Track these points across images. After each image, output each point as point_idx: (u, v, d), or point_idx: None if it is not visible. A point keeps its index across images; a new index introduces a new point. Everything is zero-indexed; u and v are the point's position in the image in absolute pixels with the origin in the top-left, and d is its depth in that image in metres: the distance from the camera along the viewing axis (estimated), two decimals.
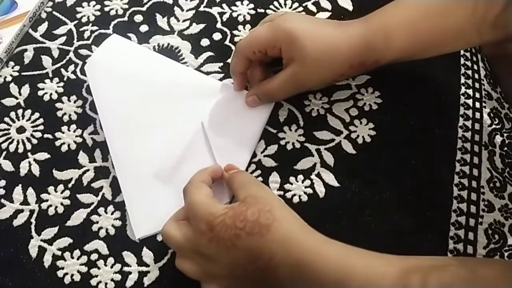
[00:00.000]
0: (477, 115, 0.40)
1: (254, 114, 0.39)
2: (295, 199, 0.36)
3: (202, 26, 0.45)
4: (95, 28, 0.45)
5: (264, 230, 0.28)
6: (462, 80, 0.42)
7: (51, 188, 0.38)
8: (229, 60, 0.43)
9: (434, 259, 0.28)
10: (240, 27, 0.45)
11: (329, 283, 0.26)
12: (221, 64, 0.43)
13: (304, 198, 0.36)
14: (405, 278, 0.26)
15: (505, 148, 0.39)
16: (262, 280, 0.29)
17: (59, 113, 0.41)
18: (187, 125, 0.39)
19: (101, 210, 0.37)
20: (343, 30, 0.36)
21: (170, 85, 0.41)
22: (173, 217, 0.33)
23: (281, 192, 0.37)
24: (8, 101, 0.42)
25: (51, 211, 0.37)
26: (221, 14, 0.46)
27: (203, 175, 0.34)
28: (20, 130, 0.41)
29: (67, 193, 0.38)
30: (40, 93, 0.42)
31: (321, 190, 0.36)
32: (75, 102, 0.42)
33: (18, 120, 0.41)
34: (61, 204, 0.37)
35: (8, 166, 0.39)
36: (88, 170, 0.38)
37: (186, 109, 0.40)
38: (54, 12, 0.47)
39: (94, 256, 0.35)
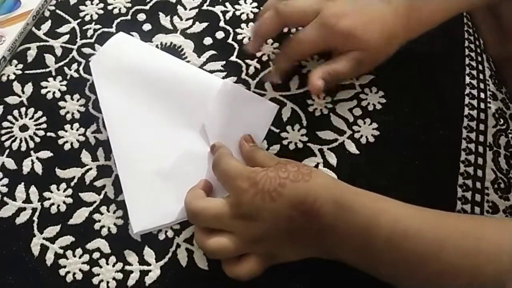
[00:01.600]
0: (482, 115, 0.40)
1: (258, 117, 0.39)
2: None
3: (205, 24, 0.45)
4: (98, 26, 0.45)
5: (307, 177, 0.30)
6: (467, 80, 0.41)
7: (53, 187, 0.38)
8: (231, 59, 0.43)
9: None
10: (243, 25, 0.45)
11: (367, 218, 0.28)
12: (224, 62, 0.43)
13: None
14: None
15: (510, 149, 0.39)
16: (303, 228, 0.29)
17: (62, 112, 0.41)
18: (190, 124, 0.39)
19: (103, 208, 0.37)
20: (388, 3, 0.36)
21: (174, 83, 0.40)
22: (193, 197, 0.33)
23: None
24: (11, 99, 0.42)
25: (53, 210, 0.37)
26: (224, 12, 0.46)
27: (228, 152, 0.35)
28: (23, 128, 0.41)
29: (69, 191, 0.38)
30: (43, 91, 0.42)
31: None
32: (78, 100, 0.42)
33: (21, 118, 0.41)
34: (64, 202, 0.37)
35: (11, 164, 0.39)
36: (90, 168, 0.38)
37: (190, 108, 0.39)
38: (58, 11, 0.47)
39: (96, 255, 0.35)
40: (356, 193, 0.30)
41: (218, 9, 0.46)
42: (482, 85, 0.42)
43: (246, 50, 0.41)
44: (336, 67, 0.37)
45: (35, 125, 0.41)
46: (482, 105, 0.40)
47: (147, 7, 0.46)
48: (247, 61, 0.42)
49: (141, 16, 0.46)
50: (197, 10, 0.46)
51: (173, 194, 0.36)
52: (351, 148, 0.38)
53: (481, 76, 0.42)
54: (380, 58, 0.38)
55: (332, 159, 0.37)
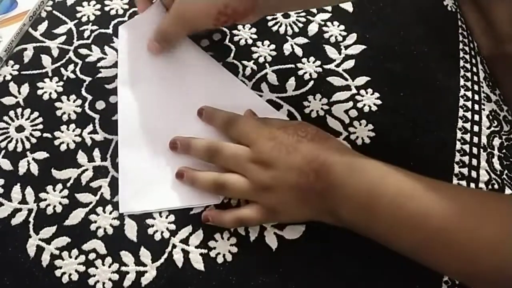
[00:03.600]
0: (476, 117, 0.40)
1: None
2: None
3: None
4: (95, 27, 0.45)
5: (323, 140, 0.33)
6: (461, 82, 0.42)
7: (49, 187, 0.38)
8: (228, 60, 0.43)
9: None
10: (239, 27, 0.45)
11: (375, 177, 0.30)
12: (221, 63, 0.43)
13: None
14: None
15: (504, 151, 0.39)
16: (311, 184, 0.31)
17: (59, 113, 0.41)
18: (198, 119, 0.39)
19: (99, 209, 0.37)
20: None
21: (199, 79, 0.40)
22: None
23: None
24: (8, 100, 0.42)
25: (49, 210, 0.37)
26: None
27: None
28: (19, 129, 0.41)
29: (65, 192, 0.38)
30: (39, 92, 0.42)
31: None
32: (74, 101, 0.42)
33: (17, 119, 0.41)
34: (60, 203, 0.37)
35: (6, 165, 0.39)
36: (87, 169, 0.38)
37: (203, 104, 0.39)
38: (54, 11, 0.47)
39: (92, 256, 0.35)
40: (368, 159, 0.32)
41: None
42: (476, 87, 0.42)
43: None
44: (160, 26, 0.37)
45: (31, 126, 0.41)
46: (476, 107, 0.41)
47: None
48: (243, 62, 0.43)
49: None
50: None
51: (166, 182, 0.36)
52: None
53: (475, 78, 0.42)
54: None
55: None
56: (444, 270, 0.31)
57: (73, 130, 0.40)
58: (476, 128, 0.40)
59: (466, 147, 0.38)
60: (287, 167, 0.32)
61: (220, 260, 0.35)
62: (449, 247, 0.28)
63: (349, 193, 0.30)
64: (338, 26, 0.44)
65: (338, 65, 0.42)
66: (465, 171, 0.37)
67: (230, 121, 0.36)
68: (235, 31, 0.45)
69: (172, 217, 0.36)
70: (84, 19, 0.46)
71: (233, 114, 0.37)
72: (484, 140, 0.39)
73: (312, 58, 0.42)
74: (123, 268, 0.35)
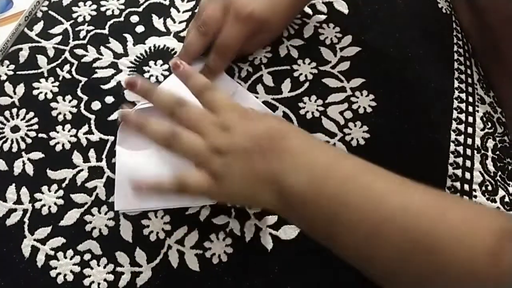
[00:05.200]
0: (470, 119, 0.40)
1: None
2: None
3: None
4: (91, 28, 0.45)
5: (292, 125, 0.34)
6: (456, 84, 0.42)
7: (44, 188, 0.38)
8: None
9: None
10: None
11: (332, 156, 0.30)
12: None
13: None
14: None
15: (497, 152, 0.40)
16: (262, 146, 0.30)
17: (54, 113, 0.41)
18: None
19: (94, 210, 0.37)
20: None
21: None
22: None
23: None
24: (3, 100, 0.42)
25: (44, 211, 0.37)
26: None
27: None
28: (15, 129, 0.40)
29: (60, 192, 0.38)
30: (35, 92, 0.42)
31: None
32: (70, 101, 0.42)
33: (13, 119, 0.41)
34: (55, 203, 0.37)
35: (1, 165, 0.39)
36: (82, 170, 0.38)
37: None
38: (50, 12, 0.47)
39: (87, 256, 0.35)
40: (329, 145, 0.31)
41: None
42: (470, 89, 0.42)
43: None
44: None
45: (27, 126, 0.41)
46: (470, 109, 0.41)
47: (140, 9, 0.47)
48: (239, 64, 0.43)
49: (134, 18, 0.46)
50: (190, 13, 0.46)
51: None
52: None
53: (469, 80, 0.43)
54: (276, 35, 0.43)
55: None
56: (392, 262, 0.26)
57: (69, 131, 0.40)
58: (470, 130, 0.40)
59: (460, 149, 0.39)
60: (244, 132, 0.31)
61: (215, 260, 0.35)
62: (406, 231, 0.25)
63: (302, 164, 0.29)
64: (334, 28, 0.44)
65: (333, 67, 0.42)
66: (459, 172, 0.38)
67: (208, 87, 0.34)
68: None
69: (167, 218, 0.36)
70: (80, 19, 0.46)
71: (212, 84, 0.35)
72: (478, 141, 0.39)
73: (307, 60, 0.42)
74: (118, 269, 0.35)
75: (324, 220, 0.28)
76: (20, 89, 0.42)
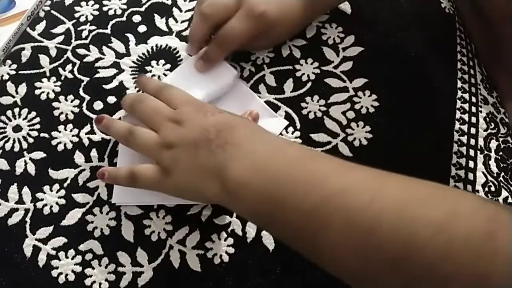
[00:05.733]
0: (473, 119, 0.40)
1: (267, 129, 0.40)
2: None
3: None
4: (93, 27, 0.45)
5: (249, 122, 0.33)
6: (459, 84, 0.42)
7: (46, 188, 0.38)
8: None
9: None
10: None
11: (275, 146, 0.30)
12: None
13: None
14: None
15: (501, 153, 0.39)
16: (210, 139, 0.30)
17: (56, 112, 0.41)
18: None
19: (96, 210, 0.37)
20: None
21: (197, 75, 0.40)
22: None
23: None
24: (5, 100, 0.42)
25: (46, 211, 0.37)
26: None
27: None
28: (17, 128, 0.41)
29: (62, 192, 0.38)
30: (37, 92, 0.42)
31: None
32: (72, 101, 0.42)
33: (15, 118, 0.41)
34: (56, 203, 0.37)
35: (3, 164, 0.39)
36: (84, 169, 0.38)
37: (202, 100, 0.39)
38: (52, 11, 0.47)
39: (88, 256, 0.35)
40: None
41: None
42: (473, 89, 0.42)
43: (187, 52, 0.42)
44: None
45: (29, 125, 0.41)
46: (474, 109, 0.41)
47: (143, 9, 0.47)
48: (241, 63, 0.43)
49: (136, 18, 0.46)
50: (192, 12, 0.46)
51: None
52: (344, 150, 0.38)
53: (472, 80, 0.43)
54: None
55: None
56: (332, 244, 0.25)
57: (71, 130, 0.40)
58: (473, 130, 0.40)
59: (463, 149, 0.38)
60: (195, 125, 0.31)
61: (217, 260, 0.35)
62: (345, 210, 0.24)
63: (245, 153, 0.29)
64: (336, 28, 0.44)
65: (336, 67, 0.42)
66: (461, 173, 0.37)
67: (164, 87, 0.36)
68: None
69: (169, 218, 0.36)
70: (82, 19, 0.46)
71: (168, 84, 0.37)
72: (481, 142, 0.39)
73: (310, 60, 0.42)
74: (120, 269, 0.35)
75: (267, 202, 0.27)
76: (22, 88, 0.42)
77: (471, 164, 0.38)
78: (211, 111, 0.32)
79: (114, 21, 0.46)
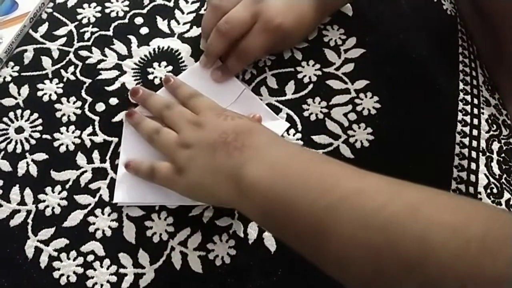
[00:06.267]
0: (475, 121, 0.40)
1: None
2: None
3: None
4: (95, 29, 0.46)
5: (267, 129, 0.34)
6: (461, 86, 0.42)
7: (48, 189, 0.38)
8: None
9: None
10: None
11: (292, 151, 0.31)
12: None
13: None
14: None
15: (503, 155, 0.39)
16: (228, 142, 0.31)
17: (58, 114, 0.41)
18: None
19: (98, 211, 0.37)
20: None
21: (199, 79, 0.41)
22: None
23: None
24: (7, 101, 0.42)
25: (48, 212, 0.37)
26: None
27: None
28: (19, 130, 0.41)
29: (64, 194, 0.38)
30: (39, 93, 0.42)
31: None
32: (74, 103, 0.42)
33: (17, 120, 0.41)
34: (58, 205, 0.37)
35: (6, 166, 0.39)
36: (86, 171, 0.38)
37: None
38: (55, 13, 0.47)
39: (90, 257, 0.35)
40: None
41: None
42: (475, 91, 0.42)
43: (202, 65, 0.41)
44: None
45: (31, 127, 0.41)
46: (476, 111, 0.41)
47: (145, 11, 0.47)
48: None
49: (139, 20, 0.46)
50: (194, 14, 0.46)
51: None
52: (346, 152, 0.38)
53: (474, 82, 0.43)
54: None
55: None
56: (344, 244, 0.25)
57: (73, 132, 0.40)
58: (475, 132, 0.40)
59: (465, 151, 0.38)
60: (213, 128, 0.33)
61: (218, 262, 0.35)
62: (360, 210, 0.24)
63: (262, 155, 0.30)
64: (338, 29, 0.44)
65: (337, 69, 0.42)
66: (463, 175, 0.37)
67: (193, 95, 0.38)
68: None
69: (170, 219, 0.36)
70: (84, 21, 0.46)
71: (198, 92, 0.38)
72: (483, 144, 0.39)
73: (311, 62, 0.42)
74: (122, 270, 0.35)
75: (279, 202, 0.28)
76: (25, 90, 0.43)
77: (473, 166, 0.38)
78: (231, 115, 0.34)
79: (116, 23, 0.46)
